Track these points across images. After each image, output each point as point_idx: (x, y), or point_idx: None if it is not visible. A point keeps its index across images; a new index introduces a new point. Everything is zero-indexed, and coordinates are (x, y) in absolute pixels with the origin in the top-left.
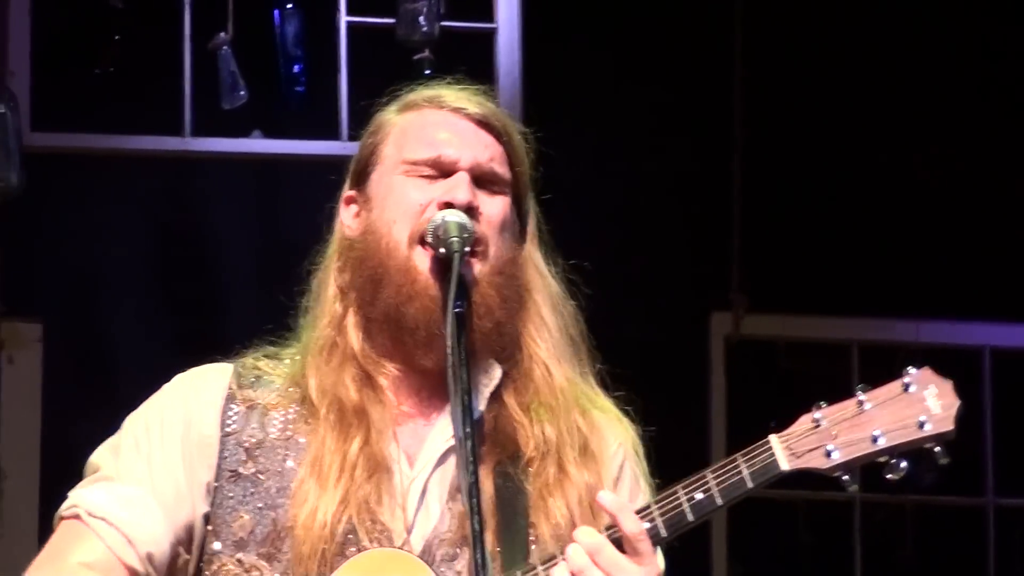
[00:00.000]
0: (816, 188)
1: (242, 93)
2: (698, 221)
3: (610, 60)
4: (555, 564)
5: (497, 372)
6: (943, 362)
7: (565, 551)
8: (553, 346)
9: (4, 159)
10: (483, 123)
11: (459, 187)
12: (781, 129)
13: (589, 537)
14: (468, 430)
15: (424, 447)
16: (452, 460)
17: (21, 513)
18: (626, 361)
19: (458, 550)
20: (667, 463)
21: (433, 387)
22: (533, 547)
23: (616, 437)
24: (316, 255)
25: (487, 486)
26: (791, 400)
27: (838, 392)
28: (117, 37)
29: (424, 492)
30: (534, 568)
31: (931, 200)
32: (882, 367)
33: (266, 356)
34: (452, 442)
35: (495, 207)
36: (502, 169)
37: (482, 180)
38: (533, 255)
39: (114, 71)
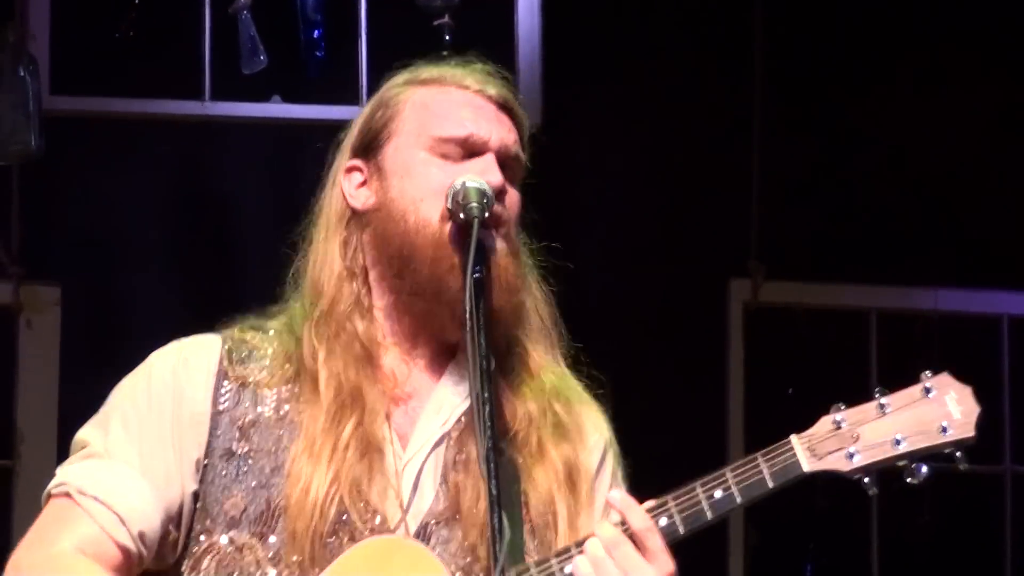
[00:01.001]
0: (835, 155)
1: (262, 58)
2: (717, 188)
3: (631, 26)
4: (569, 558)
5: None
6: (961, 330)
7: (582, 545)
8: (536, 331)
9: (24, 122)
10: (505, 107)
11: (491, 168)
12: (801, 96)
13: (608, 531)
14: (487, 395)
15: (417, 429)
16: (446, 443)
17: (38, 476)
18: (645, 328)
19: (452, 531)
20: (685, 430)
21: (432, 369)
22: (526, 514)
23: (596, 429)
24: (305, 224)
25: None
26: (808, 368)
27: (855, 361)
28: (137, 1)
29: (419, 474)
30: (547, 560)
31: (951, 167)
32: (900, 335)
33: (251, 328)
34: (447, 427)
35: (515, 192)
36: (521, 154)
37: (506, 163)
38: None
39: (134, 35)
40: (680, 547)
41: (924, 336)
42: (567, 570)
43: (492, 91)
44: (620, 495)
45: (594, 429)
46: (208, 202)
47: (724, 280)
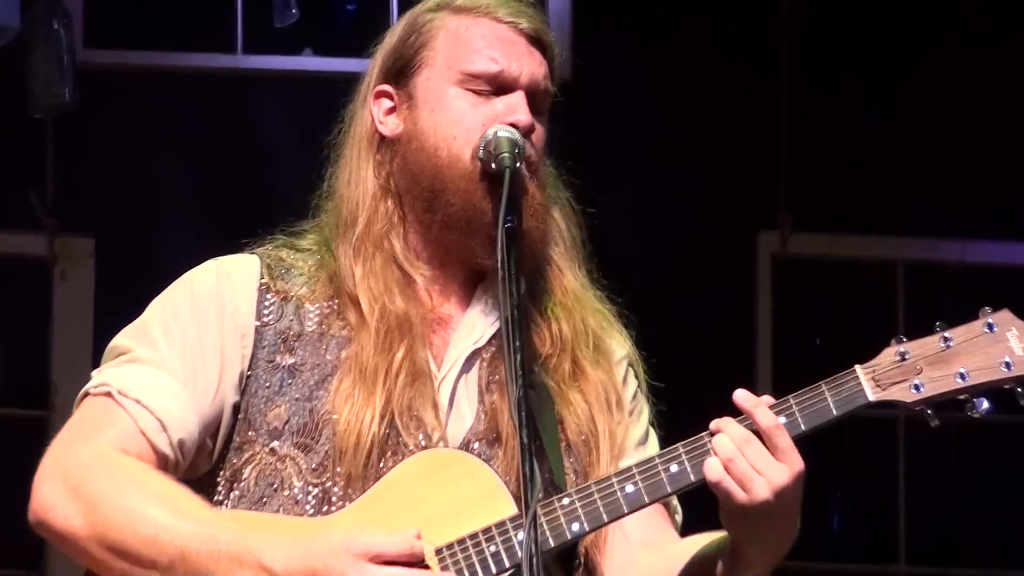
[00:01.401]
0: (863, 108)
1: (293, 11)
2: (745, 141)
3: None
4: (677, 458)
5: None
6: (988, 282)
7: (711, 440)
8: (566, 251)
9: (58, 75)
10: (536, 40)
11: (520, 108)
12: (828, 49)
13: (736, 430)
14: (517, 344)
15: (449, 350)
16: (479, 364)
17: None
18: (675, 279)
19: (493, 450)
20: (714, 378)
21: (463, 292)
22: (563, 435)
23: (620, 346)
24: (334, 138)
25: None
26: (836, 319)
27: (882, 312)
28: None
29: (453, 393)
30: (677, 450)
31: (977, 120)
32: (927, 286)
33: (285, 246)
34: (478, 344)
35: (542, 127)
36: (550, 86)
37: (535, 99)
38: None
39: None
40: (700, 497)
41: (951, 287)
42: (681, 466)
43: (524, 24)
44: (744, 394)
45: (619, 346)
46: (241, 155)
47: (753, 232)
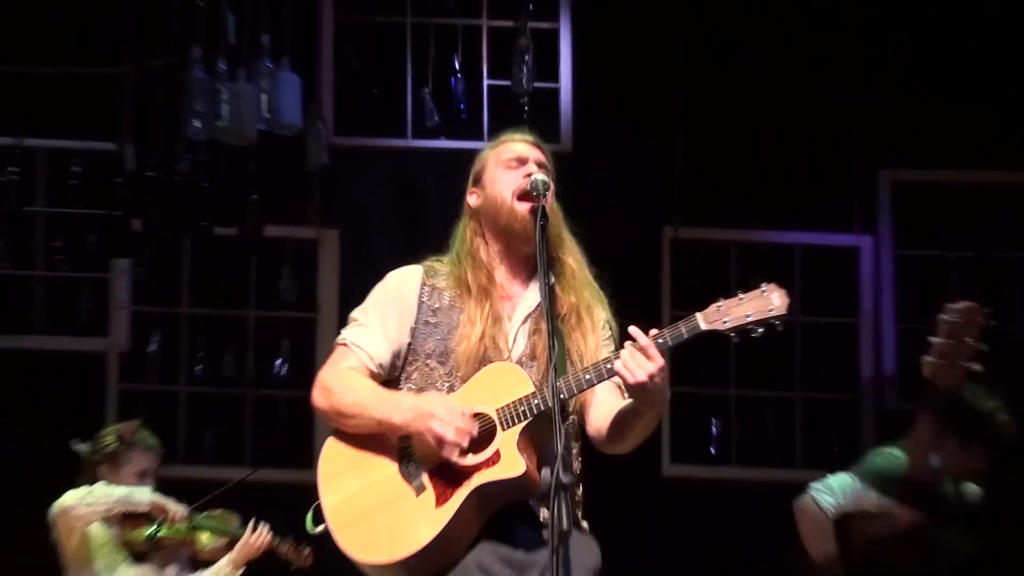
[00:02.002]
0: (733, 145)
1: (436, 119)
2: (651, 162)
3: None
4: (610, 361)
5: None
6: (759, 257)
7: (614, 357)
8: (571, 250)
9: (321, 150)
10: (536, 146)
11: (531, 167)
12: (714, 102)
13: (629, 348)
14: (548, 305)
15: (515, 313)
16: (530, 320)
17: (329, 332)
18: (603, 264)
19: (531, 362)
20: (632, 320)
21: (520, 280)
22: (569, 352)
23: (603, 312)
24: (453, 224)
25: (545, 328)
26: (710, 283)
27: (729, 281)
28: (376, 91)
29: (516, 335)
30: (597, 364)
31: (788, 142)
32: (760, 262)
33: (436, 260)
34: (530, 310)
35: (548, 176)
36: (546, 163)
37: (541, 167)
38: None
39: (377, 95)
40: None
41: (774, 262)
42: (612, 365)
43: (530, 139)
44: (634, 329)
45: (602, 311)
46: (411, 199)
47: (659, 226)
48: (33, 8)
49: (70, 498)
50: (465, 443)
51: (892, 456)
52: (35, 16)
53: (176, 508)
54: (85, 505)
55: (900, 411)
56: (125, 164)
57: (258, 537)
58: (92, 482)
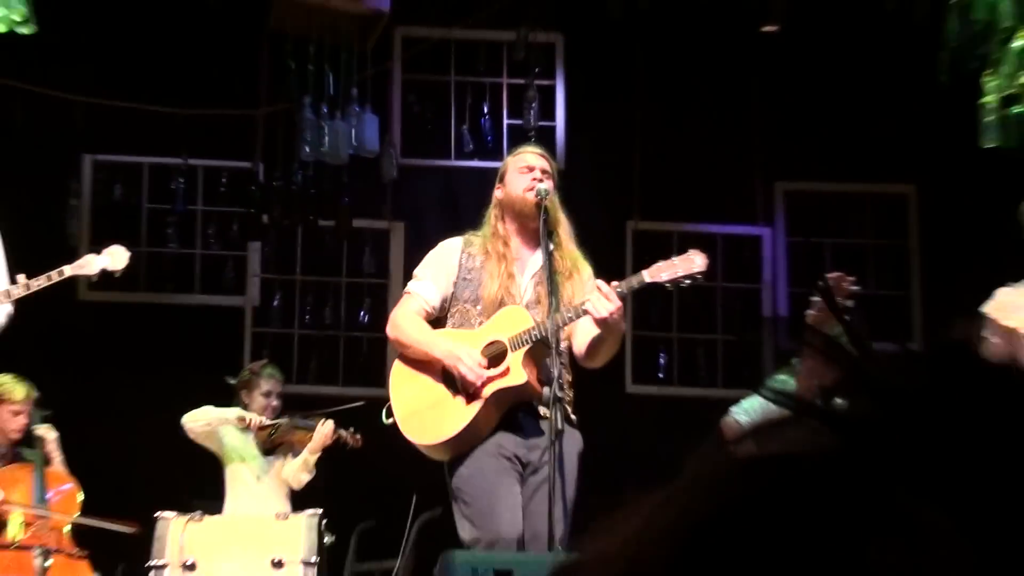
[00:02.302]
0: (686, 147)
1: (470, 146)
2: (618, 175)
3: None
4: (584, 303)
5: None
6: (693, 243)
7: (585, 301)
8: (566, 231)
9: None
10: (542, 156)
11: (538, 174)
12: (665, 130)
13: (595, 293)
14: (550, 270)
15: (526, 270)
16: (536, 277)
17: (398, 298)
18: (583, 249)
19: (537, 307)
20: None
21: (529, 247)
22: (562, 298)
23: (587, 273)
24: (484, 210)
25: (546, 282)
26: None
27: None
28: (430, 127)
29: (525, 287)
30: (574, 305)
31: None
32: (695, 246)
33: (471, 233)
34: (536, 269)
35: (551, 182)
36: (551, 171)
37: (544, 173)
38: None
39: (430, 130)
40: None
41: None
42: (584, 306)
43: (539, 151)
44: (600, 281)
45: (587, 272)
46: (456, 202)
47: (623, 219)
48: (195, 67)
49: (185, 417)
50: (479, 381)
51: (785, 382)
52: (197, 73)
53: (253, 417)
54: (191, 421)
55: (790, 349)
56: (258, 177)
57: (326, 428)
58: (236, 403)
